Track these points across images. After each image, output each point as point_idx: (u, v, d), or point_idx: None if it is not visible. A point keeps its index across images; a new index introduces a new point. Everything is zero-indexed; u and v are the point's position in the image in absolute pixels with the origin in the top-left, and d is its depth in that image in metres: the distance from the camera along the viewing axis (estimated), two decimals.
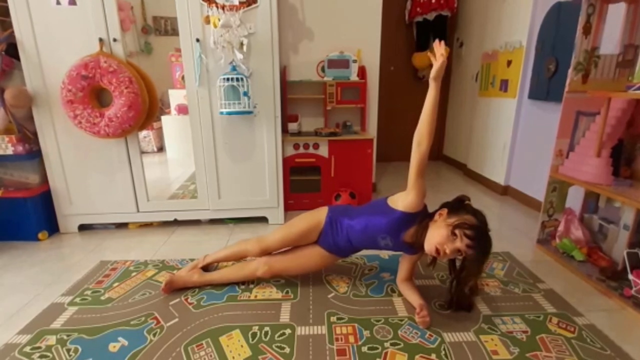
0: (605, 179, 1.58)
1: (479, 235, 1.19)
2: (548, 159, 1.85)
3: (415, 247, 1.32)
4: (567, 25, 2.07)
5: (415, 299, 1.35)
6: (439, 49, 1.22)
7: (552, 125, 1.86)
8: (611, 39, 1.69)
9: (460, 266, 1.29)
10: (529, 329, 1.26)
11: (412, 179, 1.26)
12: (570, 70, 1.69)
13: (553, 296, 1.47)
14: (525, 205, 2.56)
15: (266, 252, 1.49)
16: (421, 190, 1.26)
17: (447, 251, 1.19)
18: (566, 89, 1.72)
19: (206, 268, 1.58)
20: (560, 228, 1.85)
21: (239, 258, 1.59)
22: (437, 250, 1.20)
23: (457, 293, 1.33)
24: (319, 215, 1.46)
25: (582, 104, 1.74)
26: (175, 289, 1.48)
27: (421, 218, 1.30)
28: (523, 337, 1.22)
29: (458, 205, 1.28)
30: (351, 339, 1.21)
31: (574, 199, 1.90)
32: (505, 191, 2.81)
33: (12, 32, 1.78)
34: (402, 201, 1.30)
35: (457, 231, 1.18)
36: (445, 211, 1.26)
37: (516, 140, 2.71)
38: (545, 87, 2.32)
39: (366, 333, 1.23)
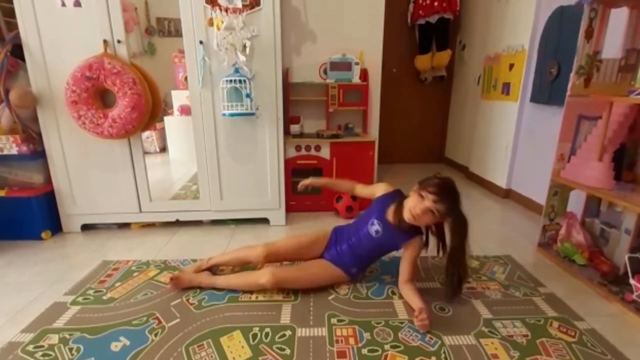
0: (607, 183, 1.58)
1: (442, 188, 1.30)
2: (550, 163, 1.85)
3: (402, 228, 1.39)
4: (569, 29, 2.08)
5: (415, 302, 1.35)
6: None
7: (554, 128, 1.87)
8: (613, 43, 1.69)
9: (449, 233, 1.36)
10: (530, 333, 1.26)
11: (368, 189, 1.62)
12: (572, 74, 1.69)
13: (554, 300, 1.46)
14: (526, 208, 2.56)
15: (271, 253, 1.53)
16: (377, 187, 1.58)
17: (418, 211, 1.31)
18: (568, 92, 1.72)
19: (210, 270, 1.59)
20: (562, 232, 1.85)
21: (243, 262, 1.60)
22: (413, 215, 1.33)
23: (451, 272, 1.37)
24: (325, 229, 1.64)
25: (584, 107, 1.74)
26: (181, 286, 1.50)
27: (399, 198, 1.46)
28: (523, 341, 1.22)
29: (427, 178, 1.39)
30: (351, 341, 1.21)
31: (576, 202, 1.90)
32: (507, 194, 2.81)
33: (18, 33, 1.80)
34: (378, 192, 1.55)
35: (422, 192, 1.31)
36: (416, 186, 1.38)
37: (518, 143, 2.71)
38: (547, 91, 2.32)
39: (366, 335, 1.24)
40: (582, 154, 1.73)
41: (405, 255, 1.46)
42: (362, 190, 1.63)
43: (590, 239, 1.77)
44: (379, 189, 1.55)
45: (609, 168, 1.60)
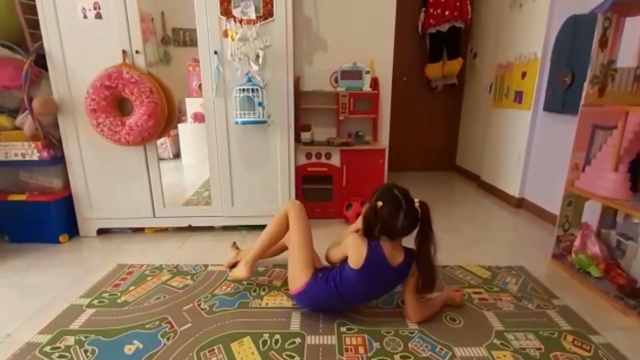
0: (623, 194, 1.55)
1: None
2: (564, 172, 1.83)
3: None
4: (583, 38, 2.06)
5: (439, 301, 1.43)
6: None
7: (568, 138, 1.84)
8: (629, 52, 1.67)
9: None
10: (543, 346, 1.24)
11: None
12: (586, 84, 1.67)
13: (568, 313, 1.44)
14: (540, 218, 2.52)
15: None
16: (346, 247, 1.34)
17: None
18: (582, 102, 1.70)
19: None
20: (576, 243, 1.81)
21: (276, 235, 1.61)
22: None
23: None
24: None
25: (598, 117, 1.72)
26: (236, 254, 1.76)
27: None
28: (536, 354, 1.20)
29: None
30: (361, 350, 1.21)
31: (591, 213, 1.86)
32: (519, 204, 2.77)
33: (41, 44, 1.88)
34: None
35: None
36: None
37: (531, 152, 2.68)
38: (561, 100, 2.29)
39: (376, 345, 1.23)
40: (597, 163, 1.70)
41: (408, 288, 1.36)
42: (335, 253, 1.40)
43: (606, 250, 1.73)
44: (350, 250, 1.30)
45: (625, 178, 1.57)
